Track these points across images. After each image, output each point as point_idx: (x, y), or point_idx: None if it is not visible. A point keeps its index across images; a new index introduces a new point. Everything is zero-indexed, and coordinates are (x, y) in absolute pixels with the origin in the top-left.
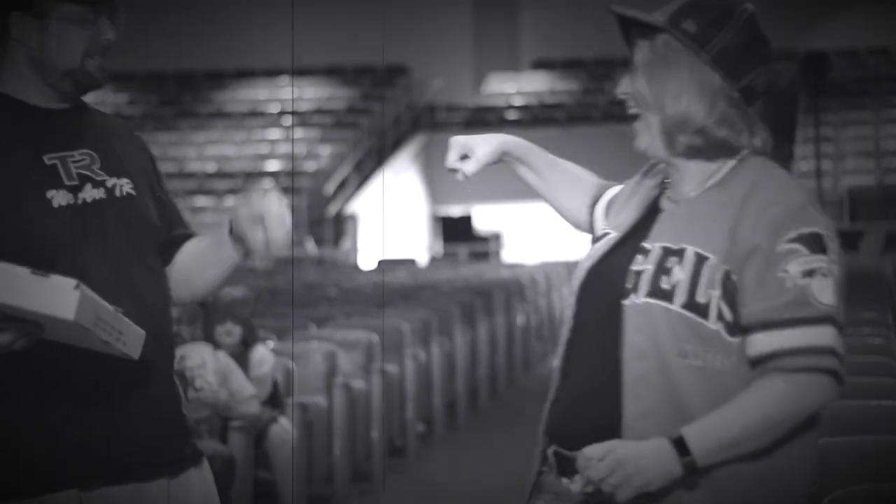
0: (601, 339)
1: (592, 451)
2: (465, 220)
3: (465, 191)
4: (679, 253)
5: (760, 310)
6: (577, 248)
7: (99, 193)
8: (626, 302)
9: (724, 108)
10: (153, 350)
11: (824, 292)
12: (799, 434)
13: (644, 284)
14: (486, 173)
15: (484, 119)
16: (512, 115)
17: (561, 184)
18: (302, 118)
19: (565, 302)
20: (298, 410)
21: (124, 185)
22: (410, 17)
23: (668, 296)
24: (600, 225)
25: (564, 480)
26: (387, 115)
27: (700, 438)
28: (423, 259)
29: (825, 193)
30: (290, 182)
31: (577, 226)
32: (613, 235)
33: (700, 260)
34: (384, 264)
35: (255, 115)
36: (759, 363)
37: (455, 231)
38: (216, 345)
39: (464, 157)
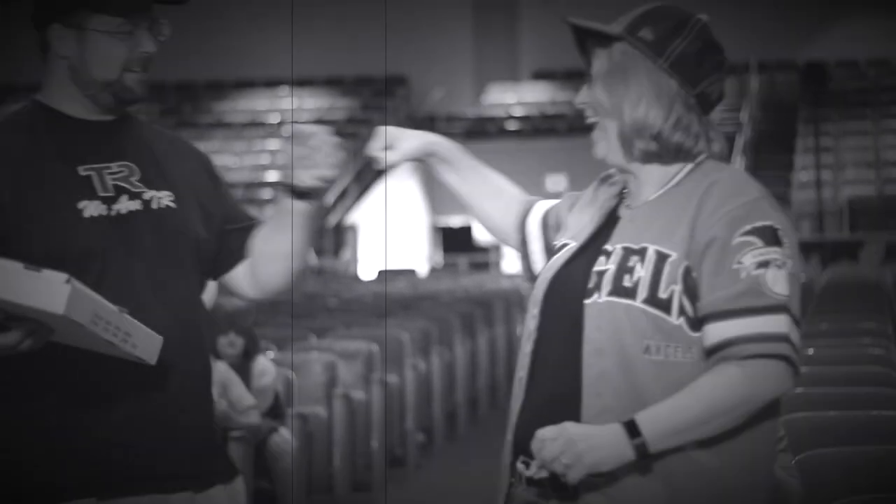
0: (564, 344)
1: (545, 432)
2: (465, 231)
3: None
4: (640, 252)
5: (715, 300)
6: None
7: (135, 205)
8: (587, 301)
9: (681, 114)
10: (180, 360)
11: (778, 282)
12: (756, 423)
13: (606, 284)
14: None
15: (484, 129)
16: (512, 126)
17: (486, 191)
18: None
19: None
20: (298, 421)
21: (163, 198)
22: (410, 28)
23: (630, 293)
24: (535, 239)
25: (520, 466)
26: (387, 126)
27: (652, 422)
28: (423, 269)
29: (825, 204)
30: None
31: (499, 234)
32: (573, 245)
33: (661, 257)
34: (384, 275)
35: (255, 126)
36: (714, 352)
37: (455, 241)
38: (218, 355)
39: (390, 147)
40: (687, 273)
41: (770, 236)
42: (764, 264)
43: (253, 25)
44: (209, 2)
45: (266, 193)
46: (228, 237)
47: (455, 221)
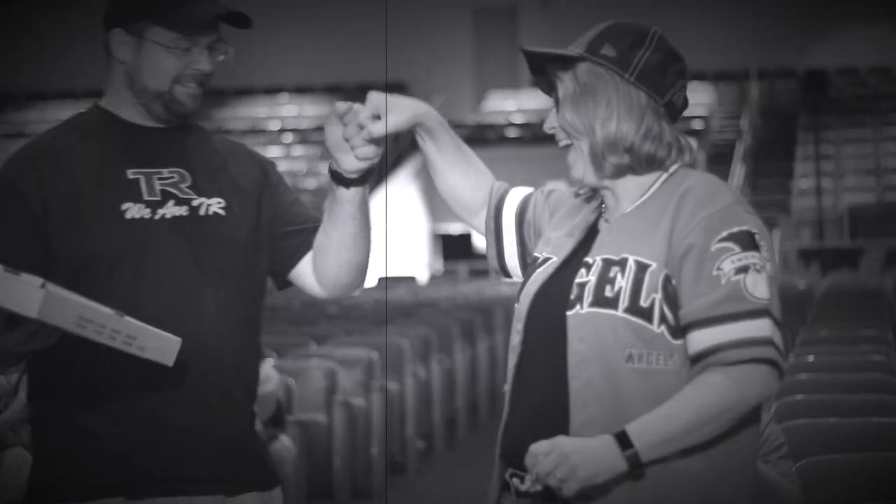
0: (548, 356)
1: (539, 447)
2: (465, 238)
3: None
4: (621, 263)
5: (697, 308)
6: None
7: (181, 211)
8: (569, 313)
9: (651, 124)
10: (213, 365)
11: (758, 286)
12: (740, 428)
13: (588, 295)
14: None
15: (484, 136)
16: (512, 133)
17: (459, 166)
18: (302, 135)
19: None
20: (298, 428)
21: (213, 205)
22: (411, 35)
23: (612, 303)
24: (510, 232)
25: (515, 481)
26: (387, 133)
27: (642, 432)
28: (423, 276)
29: (825, 211)
30: None
31: (461, 210)
32: (555, 260)
33: (641, 267)
34: (385, 282)
35: (256, 133)
36: (699, 359)
37: (455, 248)
38: None
39: (376, 117)
40: (667, 281)
41: (747, 241)
42: (743, 269)
43: (253, 33)
44: None
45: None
46: (288, 238)
47: (455, 229)
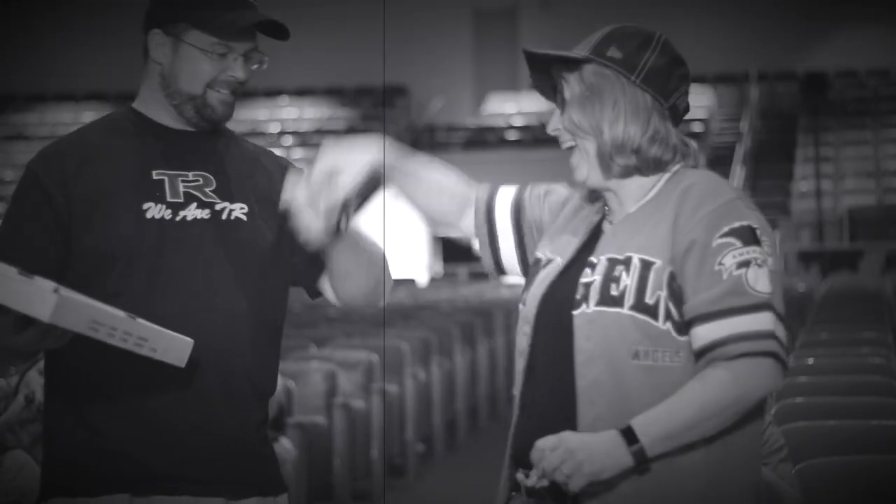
0: (556, 356)
1: (545, 442)
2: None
3: None
4: (625, 262)
5: (699, 303)
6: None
7: (203, 214)
8: (576, 312)
9: (657, 126)
10: (223, 368)
11: (760, 281)
12: (744, 423)
13: (594, 294)
14: None
15: (484, 139)
16: (512, 136)
17: (430, 192)
18: (302, 138)
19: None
20: (298, 430)
21: (236, 210)
22: (410, 37)
23: (617, 301)
24: (507, 233)
25: (520, 476)
26: (387, 135)
27: (648, 427)
28: (423, 279)
29: (825, 213)
30: None
31: (445, 226)
32: (559, 261)
33: (646, 265)
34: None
35: (256, 135)
36: (703, 354)
37: (455, 251)
38: None
39: (330, 184)
40: (671, 278)
41: (748, 236)
42: (744, 264)
43: None
44: None
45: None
46: (308, 252)
47: None
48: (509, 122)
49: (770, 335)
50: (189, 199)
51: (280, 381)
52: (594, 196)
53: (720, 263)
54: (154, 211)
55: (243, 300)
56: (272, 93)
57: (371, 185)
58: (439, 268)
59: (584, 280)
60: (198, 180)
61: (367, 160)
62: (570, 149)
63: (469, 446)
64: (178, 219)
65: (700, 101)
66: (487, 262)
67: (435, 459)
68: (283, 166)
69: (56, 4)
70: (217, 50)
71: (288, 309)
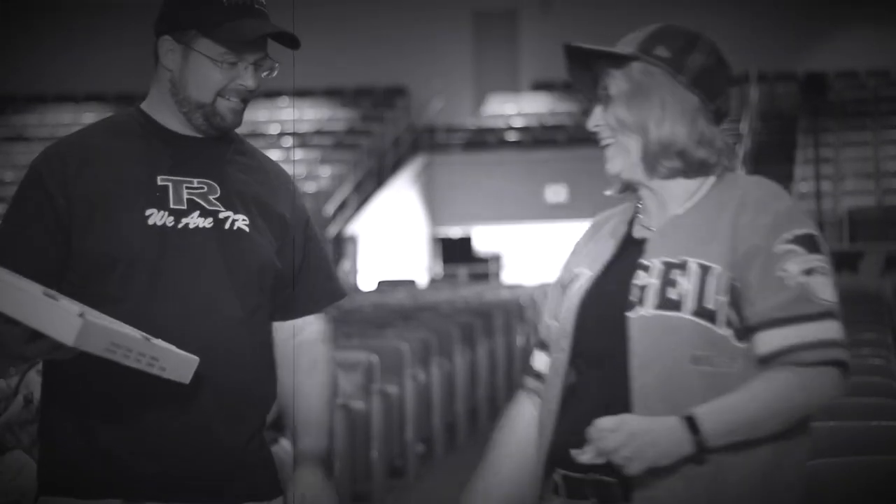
0: (604, 362)
1: (605, 422)
2: (465, 242)
3: (464, 212)
4: (681, 265)
5: (765, 308)
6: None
7: (205, 223)
8: (631, 315)
9: (704, 129)
10: (219, 377)
11: (825, 289)
12: (800, 431)
13: (651, 297)
14: (486, 195)
15: (484, 140)
16: (512, 137)
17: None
18: (302, 139)
19: (554, 348)
20: None
21: (238, 221)
22: (410, 39)
23: (677, 305)
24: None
25: (574, 451)
26: (386, 137)
27: (711, 418)
28: (422, 280)
29: (825, 214)
30: None
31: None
32: (589, 274)
33: (704, 269)
34: (384, 285)
35: (256, 136)
36: (768, 360)
37: (455, 252)
38: None
39: None
40: (731, 284)
41: (810, 244)
42: (809, 272)
43: None
44: None
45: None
46: (295, 292)
47: (455, 232)
48: (509, 122)
49: (836, 344)
50: (192, 206)
51: None
52: (618, 209)
53: (784, 270)
54: (156, 217)
55: (242, 309)
56: (272, 94)
57: None
58: (439, 269)
59: (637, 282)
60: (202, 187)
61: None
62: (607, 146)
63: (469, 447)
64: (180, 226)
65: None
66: None
67: (435, 460)
68: (290, 189)
69: (56, 4)
70: (227, 59)
71: None
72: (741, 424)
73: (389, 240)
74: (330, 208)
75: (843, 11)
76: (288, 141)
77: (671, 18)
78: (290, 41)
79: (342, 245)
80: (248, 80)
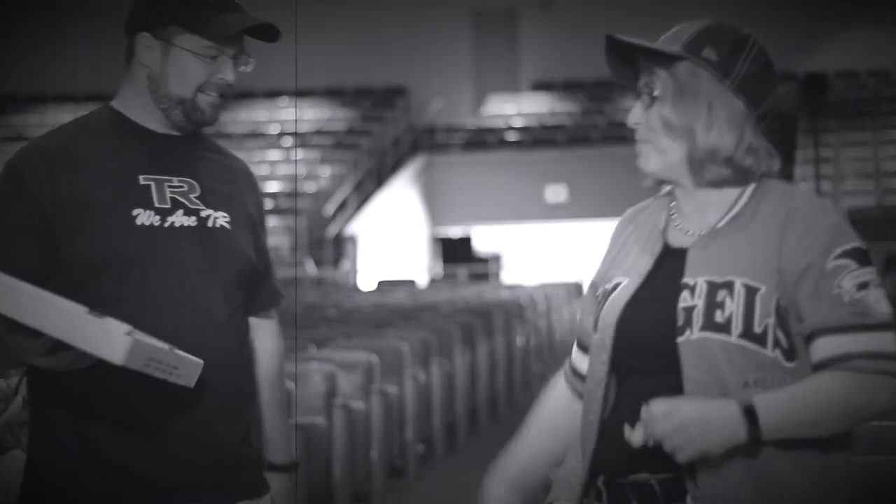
0: (653, 381)
1: (658, 407)
2: (465, 242)
3: (464, 212)
4: (727, 286)
5: (823, 319)
6: (577, 270)
7: (189, 221)
8: (680, 340)
9: (750, 136)
10: (212, 376)
11: (881, 302)
12: (850, 438)
13: (697, 320)
14: (486, 195)
15: (483, 140)
16: (512, 137)
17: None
18: (302, 139)
19: (595, 359)
20: (298, 431)
21: (220, 218)
22: (410, 38)
23: (724, 328)
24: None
25: (626, 428)
26: (386, 137)
27: (770, 410)
28: (422, 280)
29: None
30: (290, 203)
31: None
32: (628, 283)
33: (750, 291)
34: (384, 285)
35: (256, 137)
36: (825, 365)
37: (455, 252)
38: None
39: None
40: (779, 305)
41: (861, 257)
42: (864, 286)
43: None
44: None
45: (267, 203)
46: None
47: (455, 232)
48: (509, 122)
49: (893, 357)
50: (175, 205)
51: None
52: (651, 208)
53: (839, 286)
54: (143, 217)
55: (228, 307)
56: (272, 94)
57: None
58: (439, 269)
59: (683, 305)
60: (182, 186)
61: None
62: (642, 143)
63: (469, 447)
64: (166, 225)
65: None
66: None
67: (435, 460)
68: (257, 189)
69: (56, 5)
70: (209, 53)
71: (286, 310)
72: (799, 420)
73: (389, 240)
74: (330, 208)
75: (843, 11)
76: (288, 141)
77: (671, 18)
78: (270, 35)
79: (342, 245)
80: (228, 74)
